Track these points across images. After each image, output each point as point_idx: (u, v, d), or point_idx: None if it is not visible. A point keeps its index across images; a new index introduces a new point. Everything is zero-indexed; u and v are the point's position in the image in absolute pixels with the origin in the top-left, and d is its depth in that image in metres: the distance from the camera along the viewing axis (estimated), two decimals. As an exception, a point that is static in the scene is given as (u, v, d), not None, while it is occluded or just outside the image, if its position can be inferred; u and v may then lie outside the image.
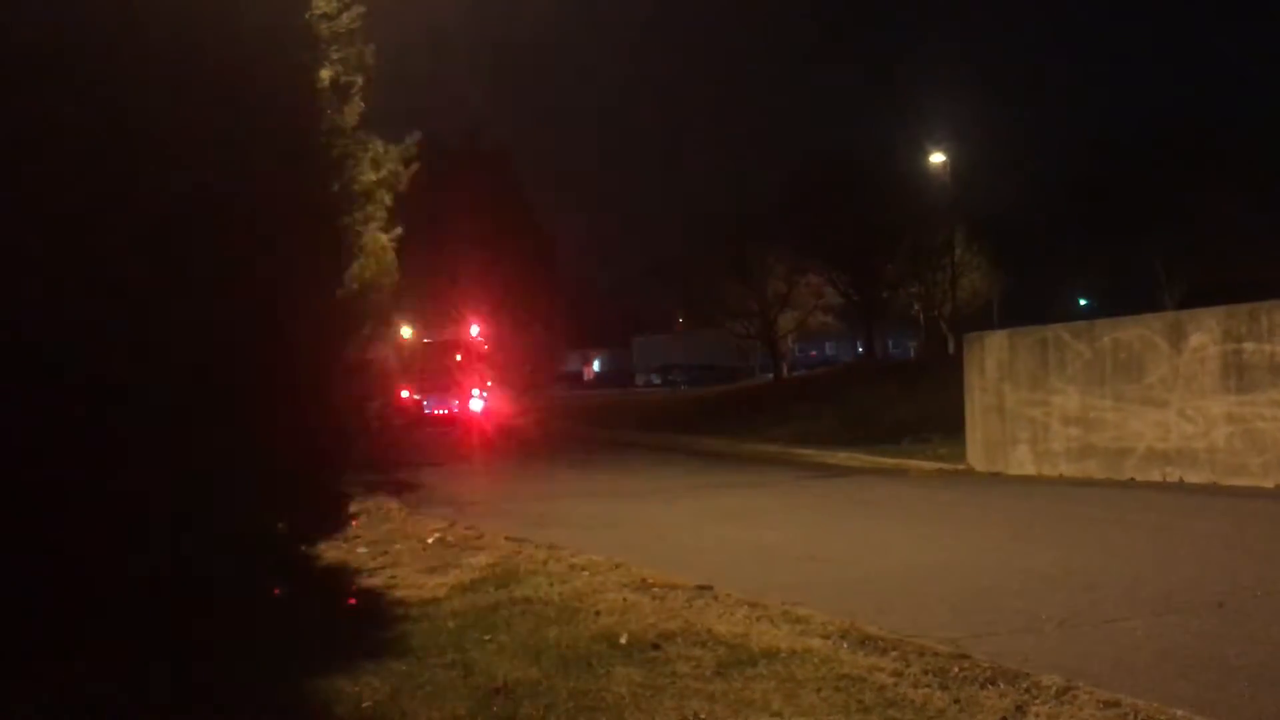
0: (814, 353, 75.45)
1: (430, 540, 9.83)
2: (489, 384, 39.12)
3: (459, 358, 39.15)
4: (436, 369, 37.01)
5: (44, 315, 5.36)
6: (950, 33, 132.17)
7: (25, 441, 5.32)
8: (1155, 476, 13.82)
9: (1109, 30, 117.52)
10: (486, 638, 6.03)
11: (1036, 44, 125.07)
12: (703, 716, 4.65)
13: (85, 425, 5.42)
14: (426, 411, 35.95)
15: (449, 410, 36.21)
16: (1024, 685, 4.95)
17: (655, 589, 7.20)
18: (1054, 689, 4.88)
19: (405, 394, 34.32)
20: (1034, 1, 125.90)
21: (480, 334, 44.89)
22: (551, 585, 7.41)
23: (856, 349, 64.32)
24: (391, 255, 8.40)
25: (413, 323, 41.40)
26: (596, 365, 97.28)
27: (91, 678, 5.24)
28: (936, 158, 42.75)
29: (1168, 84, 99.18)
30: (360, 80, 7.77)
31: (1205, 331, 13.50)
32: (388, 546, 9.54)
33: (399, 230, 8.56)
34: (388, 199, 8.32)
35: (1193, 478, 13.36)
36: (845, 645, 5.72)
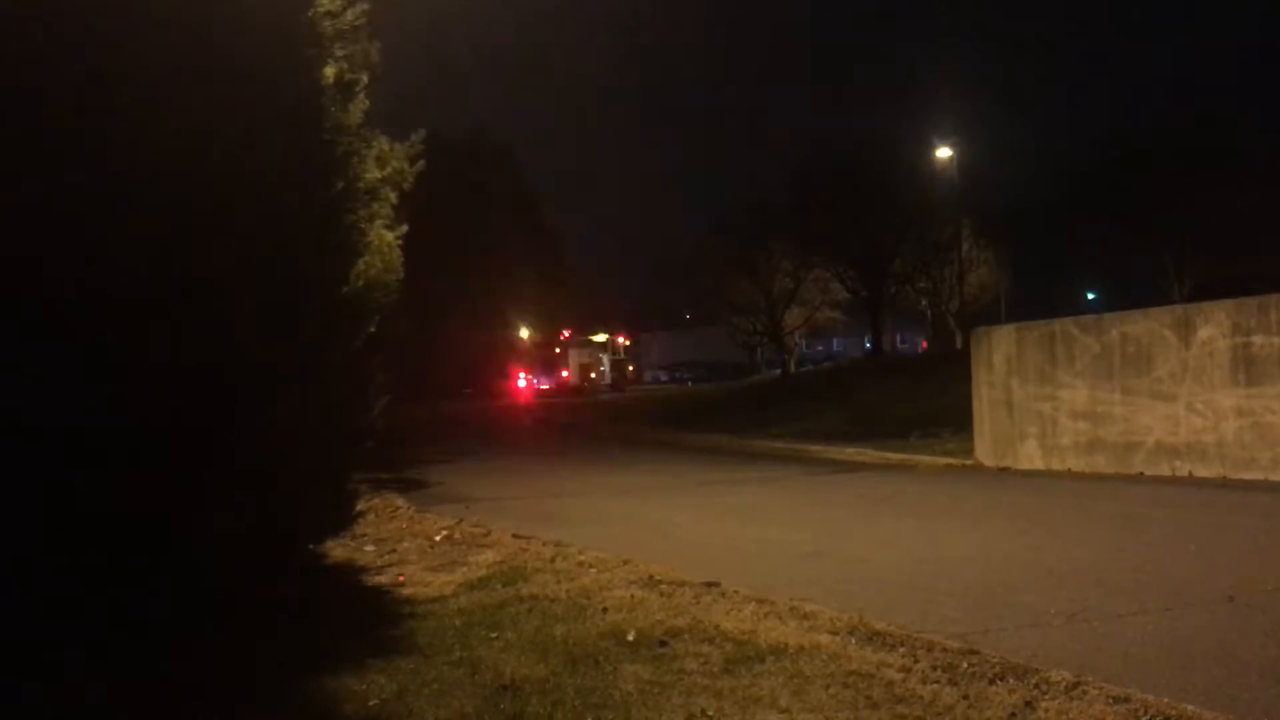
0: (820, 348, 75.51)
1: (437, 538, 9.83)
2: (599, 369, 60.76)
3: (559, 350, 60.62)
4: (547, 358, 59.32)
5: (42, 313, 5.36)
6: (957, 27, 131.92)
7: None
8: (1164, 471, 13.77)
9: (1118, 23, 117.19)
10: (493, 635, 6.03)
11: (1044, 38, 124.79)
12: (710, 713, 4.63)
13: (82, 425, 5.42)
14: (538, 386, 56.48)
15: (554, 386, 56.02)
16: (1033, 681, 4.93)
17: (663, 586, 7.18)
18: (1063, 684, 4.87)
19: (525, 374, 57.84)
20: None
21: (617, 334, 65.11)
22: (559, 583, 7.40)
23: (864, 345, 64.24)
24: (397, 253, 8.39)
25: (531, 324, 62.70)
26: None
27: (96, 673, 5.24)
28: (943, 152, 42.65)
29: (1177, 76, 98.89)
30: (364, 78, 7.76)
31: (1214, 325, 13.44)
32: (395, 544, 9.54)
33: (404, 228, 8.57)
34: (393, 197, 8.32)
35: (1202, 472, 13.30)
36: (853, 641, 5.70)
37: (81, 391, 5.38)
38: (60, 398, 5.37)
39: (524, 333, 62.56)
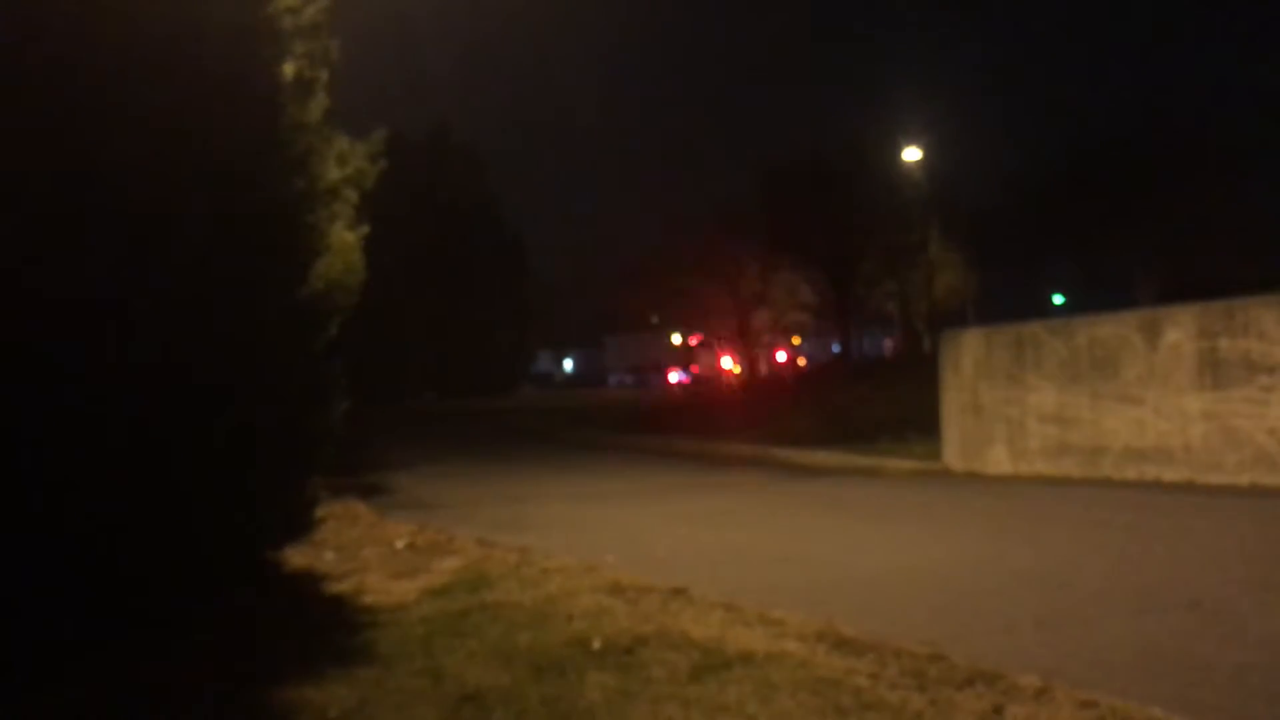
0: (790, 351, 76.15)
1: (399, 545, 9.69)
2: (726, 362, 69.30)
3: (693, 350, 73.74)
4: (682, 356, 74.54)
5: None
6: (925, 29, 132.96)
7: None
8: (1132, 475, 13.82)
9: (1083, 28, 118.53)
10: (456, 644, 5.91)
11: (1011, 42, 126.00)
12: (676, 722, 4.55)
13: (38, 425, 5.27)
14: (675, 379, 70.95)
15: (687, 378, 70.01)
16: (1001, 686, 4.88)
17: (629, 592, 7.09)
18: (1031, 690, 4.82)
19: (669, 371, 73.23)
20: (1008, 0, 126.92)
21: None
22: (523, 590, 7.29)
23: (832, 348, 64.51)
24: (358, 254, 8.26)
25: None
26: (568, 365, 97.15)
27: (43, 689, 5.10)
28: (911, 155, 42.91)
29: (1142, 82, 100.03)
30: (324, 75, 7.64)
31: (1181, 329, 13.51)
32: (356, 551, 9.39)
33: (365, 228, 8.44)
34: (354, 196, 8.19)
35: (1169, 476, 13.36)
36: (822, 647, 5.63)
37: (17, 396, 5.22)
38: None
39: (676, 338, 79.33)
